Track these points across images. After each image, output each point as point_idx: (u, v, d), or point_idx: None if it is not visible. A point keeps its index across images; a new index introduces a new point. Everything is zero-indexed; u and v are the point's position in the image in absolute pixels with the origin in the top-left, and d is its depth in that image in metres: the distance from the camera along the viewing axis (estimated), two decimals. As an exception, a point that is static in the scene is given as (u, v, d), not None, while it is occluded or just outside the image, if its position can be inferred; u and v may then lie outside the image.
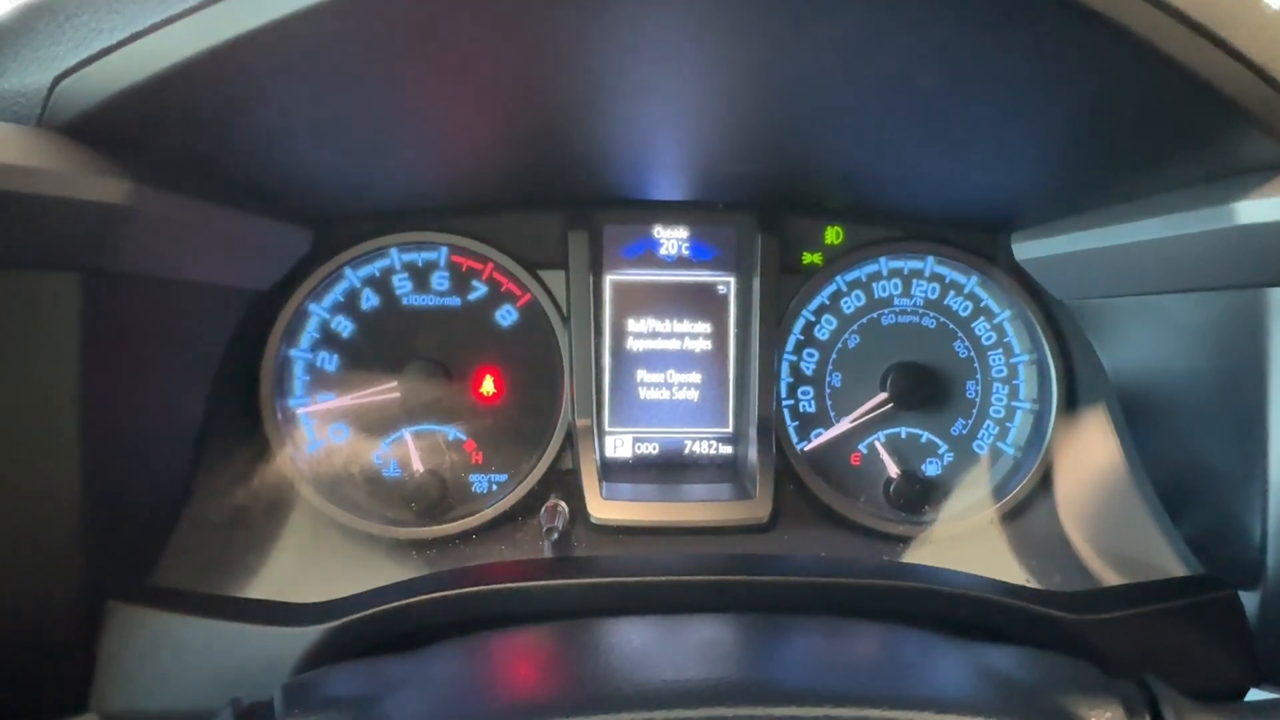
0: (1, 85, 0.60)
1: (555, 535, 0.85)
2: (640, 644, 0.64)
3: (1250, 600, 0.74)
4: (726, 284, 1.01)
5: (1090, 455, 0.96)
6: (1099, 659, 0.67)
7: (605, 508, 0.92)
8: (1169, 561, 0.83)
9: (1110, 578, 0.87)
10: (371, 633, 0.68)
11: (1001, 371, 1.03)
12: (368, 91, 0.67)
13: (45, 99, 0.59)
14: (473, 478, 0.99)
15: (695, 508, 0.93)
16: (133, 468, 0.74)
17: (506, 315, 0.99)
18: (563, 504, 0.90)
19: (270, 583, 0.83)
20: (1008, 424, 1.03)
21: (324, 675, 0.62)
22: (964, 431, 1.03)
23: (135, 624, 0.68)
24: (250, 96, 0.63)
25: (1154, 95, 0.60)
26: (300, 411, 0.96)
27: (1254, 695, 0.73)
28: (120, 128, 0.60)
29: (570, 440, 0.97)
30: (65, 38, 0.58)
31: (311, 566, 0.87)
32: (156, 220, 0.66)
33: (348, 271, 0.97)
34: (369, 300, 0.98)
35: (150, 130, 0.63)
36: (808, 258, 1.01)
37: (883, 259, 1.02)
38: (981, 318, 1.03)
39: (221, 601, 0.73)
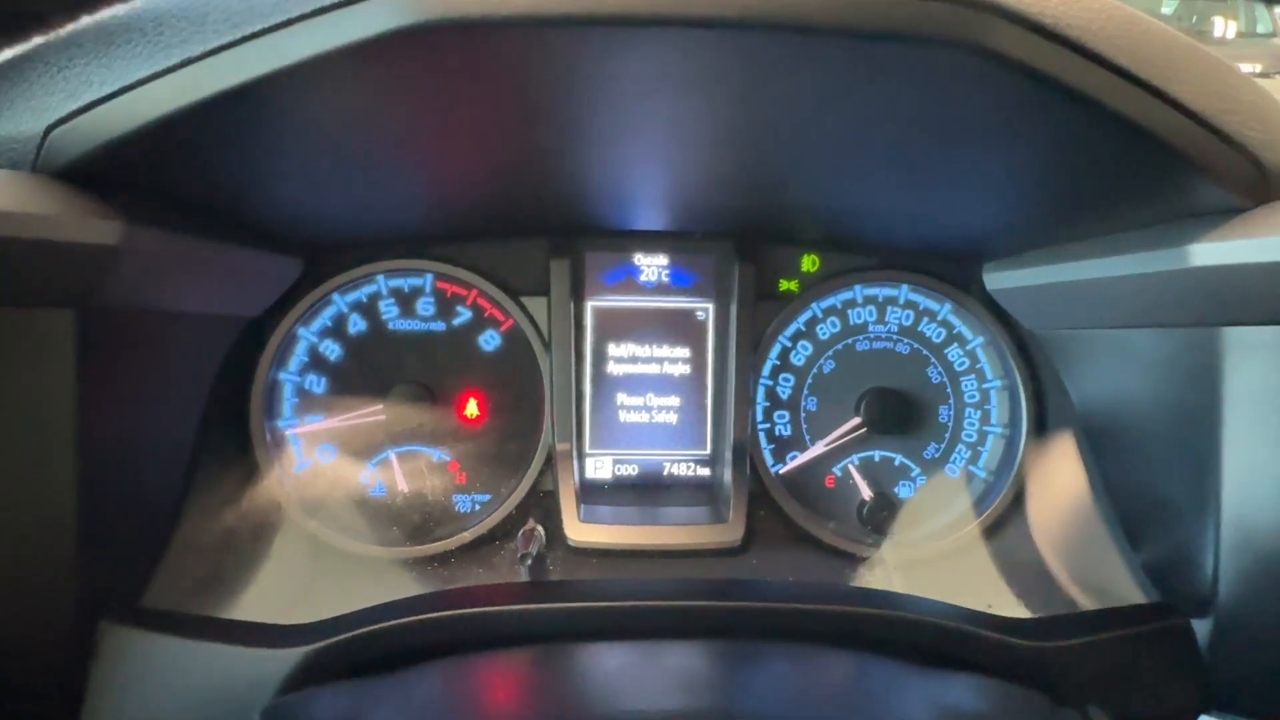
0: (-3, 132, 0.62)
1: (529, 561, 0.87)
2: (612, 669, 0.66)
3: (1202, 628, 0.76)
4: (705, 310, 1.04)
5: (1058, 481, 0.98)
6: (1054, 684, 0.69)
7: (582, 530, 0.95)
8: (1127, 588, 0.86)
9: (1073, 601, 0.89)
10: (353, 654, 0.70)
11: (974, 397, 1.05)
12: (354, 138, 0.70)
13: (39, 145, 0.62)
14: (456, 498, 1.01)
15: (670, 531, 0.96)
16: (126, 492, 0.77)
17: (490, 340, 1.02)
18: (539, 528, 0.93)
19: (258, 604, 0.85)
20: (979, 448, 1.05)
21: (304, 699, 0.65)
22: (937, 455, 1.05)
23: (126, 645, 0.71)
24: (237, 145, 0.66)
25: (1103, 146, 0.63)
26: (289, 433, 0.99)
27: (1203, 721, 0.76)
28: (112, 172, 0.63)
29: (550, 462, 1.00)
30: (57, 88, 0.61)
31: (298, 587, 0.89)
32: (148, 257, 0.69)
33: (336, 297, 0.99)
34: (356, 325, 1.00)
35: (141, 174, 0.66)
36: (784, 285, 1.04)
37: (858, 287, 1.04)
38: (954, 344, 1.05)
39: (209, 623, 0.75)
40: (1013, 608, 0.90)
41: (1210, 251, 0.64)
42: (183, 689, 0.70)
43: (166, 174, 0.68)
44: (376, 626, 0.72)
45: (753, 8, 0.52)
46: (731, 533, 0.95)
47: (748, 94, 0.63)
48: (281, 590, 0.88)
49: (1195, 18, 4.20)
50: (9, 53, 0.63)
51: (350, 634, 0.71)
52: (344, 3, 0.52)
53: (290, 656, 0.70)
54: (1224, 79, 0.61)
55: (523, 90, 0.63)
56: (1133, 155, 0.62)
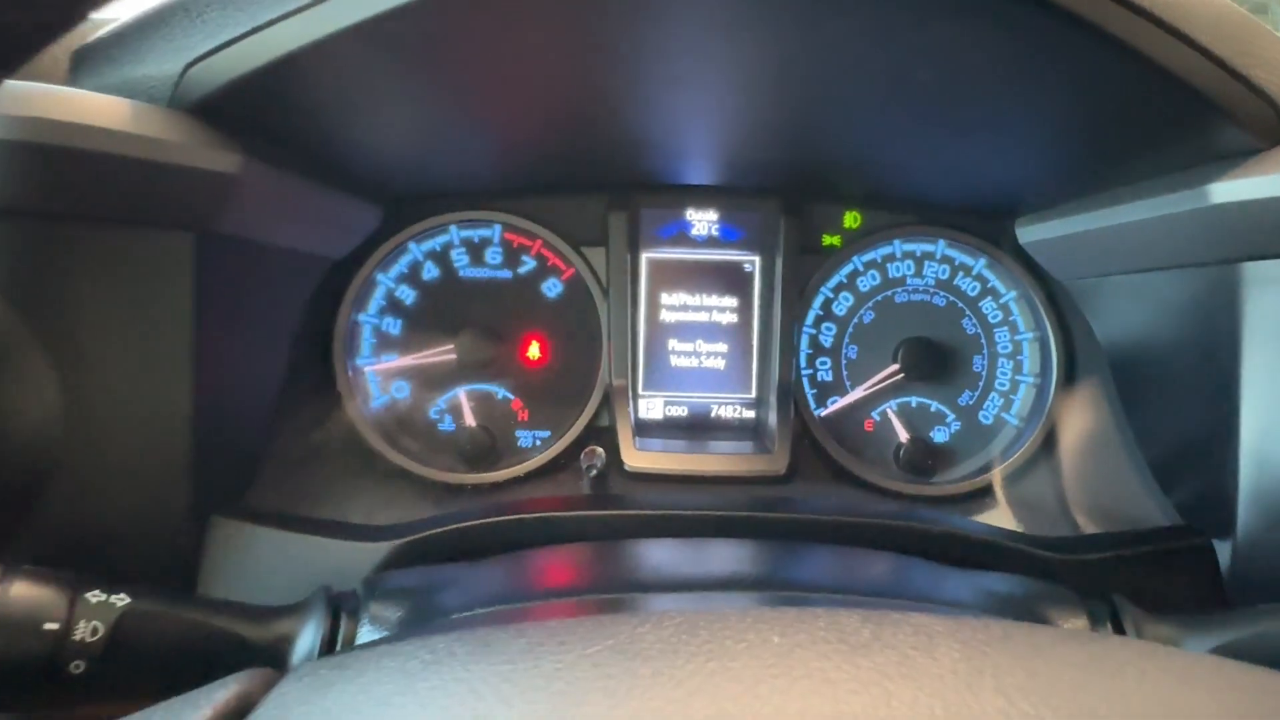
0: (139, 71, 0.70)
1: (594, 472, 0.94)
2: (668, 557, 0.72)
3: (1223, 550, 0.80)
4: (752, 263, 1.09)
5: (1086, 425, 1.02)
6: (1079, 589, 0.74)
7: (639, 457, 1.01)
8: (1154, 516, 0.90)
9: (1099, 530, 0.94)
10: (433, 550, 0.77)
11: (1007, 347, 1.09)
12: (438, 84, 0.77)
13: (175, 83, 0.70)
14: (519, 433, 1.08)
15: (720, 459, 1.01)
16: (232, 405, 0.84)
17: (552, 287, 1.08)
18: (600, 449, 0.99)
19: (341, 511, 0.92)
20: (1011, 396, 1.10)
21: (396, 573, 0.72)
22: (971, 402, 1.10)
23: (235, 537, 0.78)
24: (342, 85, 0.73)
25: (1131, 89, 0.67)
26: (367, 370, 1.06)
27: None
28: (236, 108, 0.70)
29: (607, 400, 1.06)
30: (196, 30, 0.69)
31: (375, 501, 0.97)
32: (259, 190, 0.76)
33: (411, 246, 1.06)
34: (430, 272, 1.07)
35: (260, 111, 0.73)
36: (827, 239, 1.09)
37: (897, 241, 1.09)
38: (988, 297, 1.09)
39: (306, 520, 0.83)
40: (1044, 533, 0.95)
41: (1230, 189, 0.68)
42: (286, 575, 0.77)
43: (279, 115, 0.75)
44: (456, 526, 0.79)
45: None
46: (776, 463, 1.01)
47: (799, 34, 0.69)
48: (360, 503, 0.95)
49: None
50: (152, 1, 0.72)
51: (434, 530, 0.78)
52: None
53: (380, 549, 0.77)
54: (1245, 28, 0.65)
55: (587, 40, 0.69)
56: (1157, 98, 0.66)
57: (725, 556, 0.69)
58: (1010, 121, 0.81)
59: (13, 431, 0.69)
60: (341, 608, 0.63)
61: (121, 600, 0.55)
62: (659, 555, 0.70)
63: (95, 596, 0.54)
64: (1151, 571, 0.80)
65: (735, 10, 0.64)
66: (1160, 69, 0.63)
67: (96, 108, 0.66)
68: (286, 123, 0.78)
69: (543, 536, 0.79)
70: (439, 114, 0.84)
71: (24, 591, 0.53)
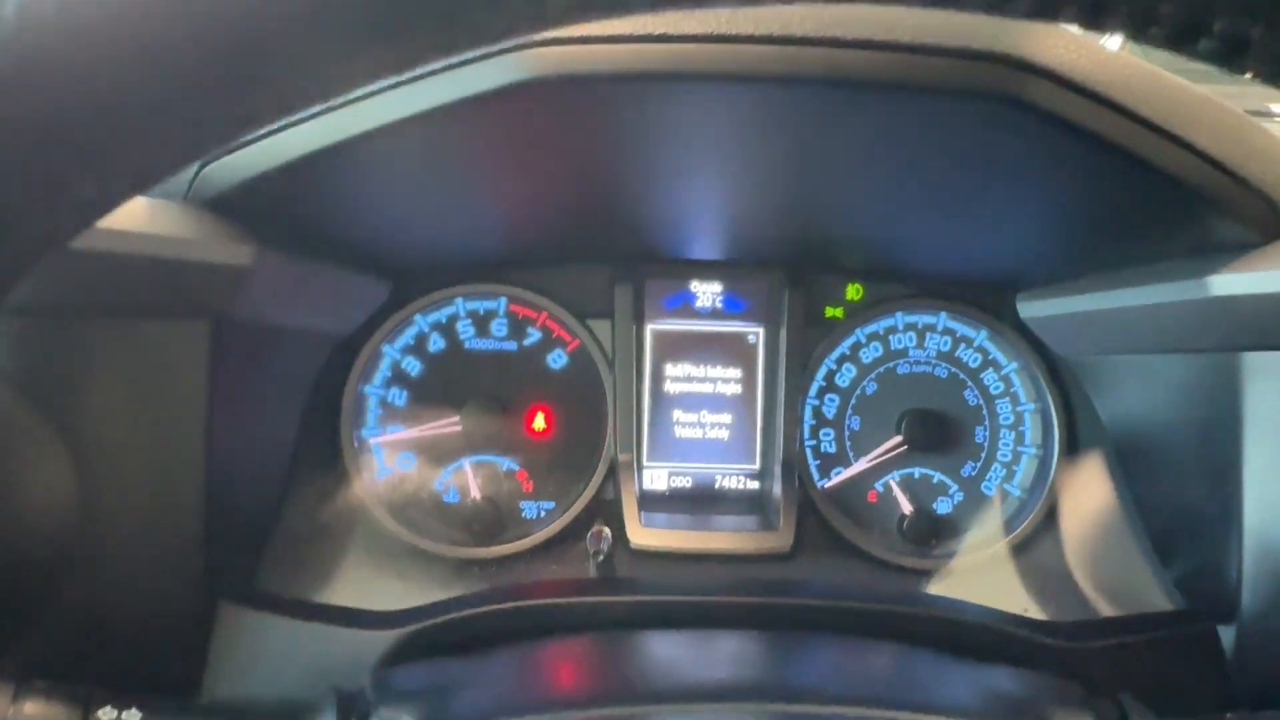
0: (156, 168, 0.72)
1: (600, 557, 0.94)
2: (672, 653, 0.73)
3: (1227, 634, 0.80)
4: (756, 334, 1.10)
5: (1089, 498, 1.03)
6: (1085, 683, 0.73)
7: (644, 534, 1.01)
8: (1156, 597, 0.90)
9: (1103, 610, 0.94)
10: (440, 638, 0.77)
11: (1008, 419, 1.10)
12: (449, 176, 0.79)
13: (191, 180, 0.72)
14: (523, 504, 1.08)
15: (724, 537, 1.02)
16: (240, 486, 0.85)
17: (557, 359, 1.09)
18: (607, 530, 1.00)
19: (347, 591, 0.93)
20: (1014, 467, 1.10)
21: (405, 670, 0.72)
22: (973, 473, 1.10)
23: (243, 622, 0.79)
24: (355, 181, 0.75)
25: (1131, 188, 0.69)
26: (373, 441, 1.06)
27: (1226, 718, 0.80)
28: (251, 203, 0.72)
29: (613, 472, 1.07)
30: (212, 131, 0.70)
31: (381, 578, 0.97)
32: (272, 277, 0.77)
33: (418, 318, 1.07)
34: (436, 343, 1.08)
35: (274, 205, 0.74)
36: (830, 311, 1.10)
37: (899, 314, 1.10)
38: (990, 369, 1.10)
39: (313, 606, 0.83)
40: (1046, 615, 0.95)
41: (1229, 283, 0.69)
42: (292, 662, 0.77)
43: (292, 206, 0.77)
44: (463, 613, 0.79)
45: (819, 66, 0.60)
46: (781, 539, 1.01)
47: (805, 140, 0.71)
48: (366, 581, 0.95)
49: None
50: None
51: (441, 618, 0.78)
52: (472, 60, 0.61)
53: (386, 638, 0.77)
54: (1238, 127, 0.67)
55: (609, 135, 0.71)
56: (1156, 195, 0.68)
57: (729, 658, 0.69)
58: (1012, 210, 0.83)
59: (33, 525, 0.70)
60: (352, 711, 0.63)
61: (133, 716, 0.55)
62: (665, 656, 0.70)
63: (107, 714, 0.54)
64: (1156, 659, 0.81)
65: (748, 117, 0.66)
66: (1160, 172, 0.65)
67: (114, 207, 0.67)
68: (299, 213, 0.80)
69: (549, 624, 0.79)
70: (451, 201, 0.86)
71: (37, 710, 0.53)
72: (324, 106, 0.66)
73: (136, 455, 0.74)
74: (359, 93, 0.65)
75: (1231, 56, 0.29)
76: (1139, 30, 0.29)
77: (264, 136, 0.68)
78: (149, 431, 0.75)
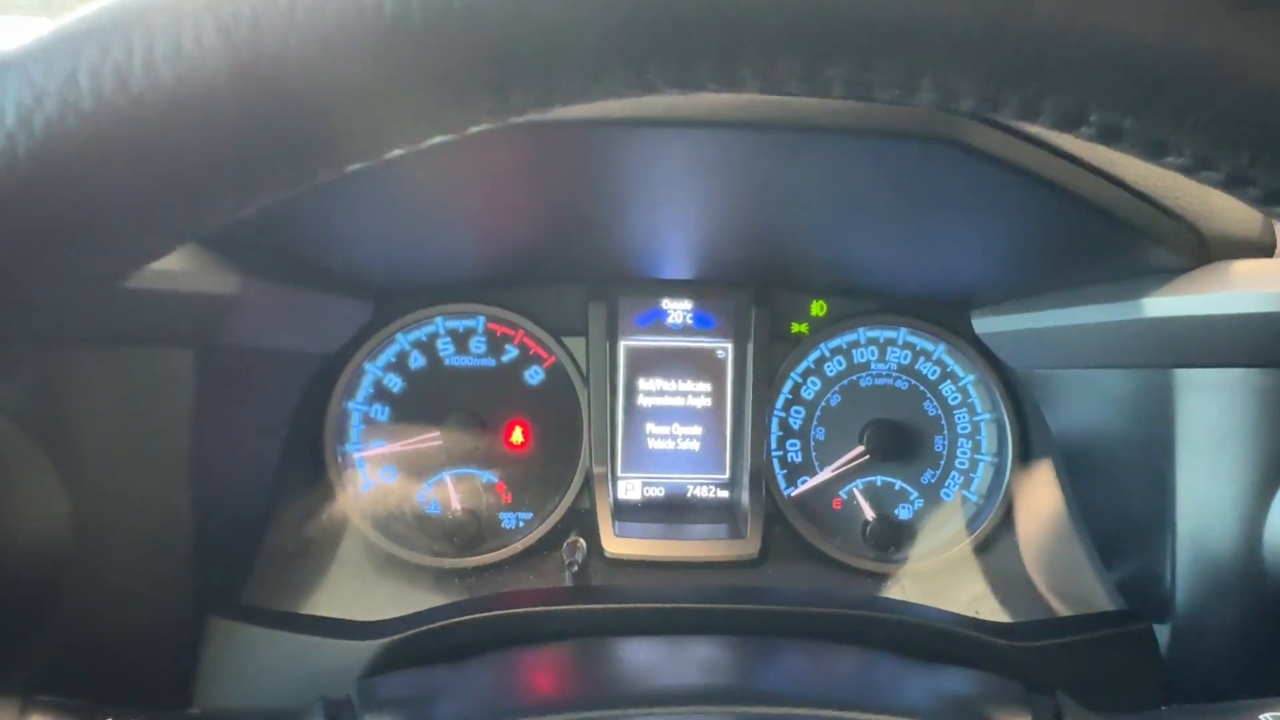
0: (146, 203, 0.75)
1: (575, 568, 0.98)
2: (644, 659, 0.77)
3: (1162, 633, 0.84)
4: (725, 349, 1.14)
5: (1040, 504, 1.08)
6: (1027, 680, 0.76)
7: (618, 544, 1.04)
8: (1099, 597, 0.95)
9: (1051, 608, 0.98)
10: (422, 647, 0.80)
11: (966, 428, 1.14)
12: (431, 206, 0.81)
13: (180, 213, 0.74)
14: (503, 515, 1.11)
15: (695, 545, 1.05)
16: (227, 505, 0.88)
17: (534, 375, 1.12)
18: (581, 540, 1.03)
19: (333, 602, 0.95)
20: (971, 474, 1.14)
21: (388, 680, 0.76)
22: (933, 480, 1.14)
23: (231, 636, 0.81)
24: (338, 211, 0.78)
25: (1066, 218, 0.73)
26: (356, 456, 1.09)
27: (1160, 712, 0.85)
28: (237, 233, 0.74)
29: (588, 484, 1.10)
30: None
31: (365, 589, 1.00)
32: (256, 304, 0.79)
33: (399, 336, 1.10)
34: (416, 361, 1.11)
35: (260, 235, 0.77)
36: (796, 327, 1.14)
37: (861, 329, 1.13)
38: (948, 381, 1.14)
39: (299, 618, 0.86)
40: (997, 614, 0.99)
41: (1161, 305, 0.74)
42: (278, 673, 0.80)
43: (276, 234, 0.80)
44: (444, 622, 0.82)
45: (773, 113, 0.64)
46: (749, 547, 1.05)
47: (765, 176, 0.75)
48: (351, 592, 0.98)
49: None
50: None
51: (424, 627, 0.81)
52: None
53: (370, 648, 0.79)
54: None
55: (579, 171, 0.74)
56: (1091, 226, 0.72)
57: (697, 663, 0.73)
58: (960, 239, 0.88)
59: (27, 546, 0.72)
60: (339, 719, 0.66)
61: (137, 729, 0.58)
62: (638, 661, 0.74)
63: (112, 727, 0.57)
64: (1097, 657, 0.85)
65: (712, 157, 0.70)
66: (1093, 205, 0.69)
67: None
68: (284, 241, 0.83)
69: (528, 632, 0.82)
70: (431, 228, 0.89)
71: (44, 725, 0.56)
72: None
73: (126, 478, 0.76)
74: None
75: (1109, 139, 0.33)
76: (1029, 118, 0.34)
77: None
78: (138, 455, 0.77)
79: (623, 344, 1.13)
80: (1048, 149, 0.67)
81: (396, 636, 0.80)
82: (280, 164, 0.29)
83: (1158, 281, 0.75)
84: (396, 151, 0.31)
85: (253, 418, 0.93)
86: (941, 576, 1.09)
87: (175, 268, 0.72)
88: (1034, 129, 0.66)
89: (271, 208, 0.70)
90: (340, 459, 1.09)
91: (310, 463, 1.07)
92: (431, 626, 0.82)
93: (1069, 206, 0.70)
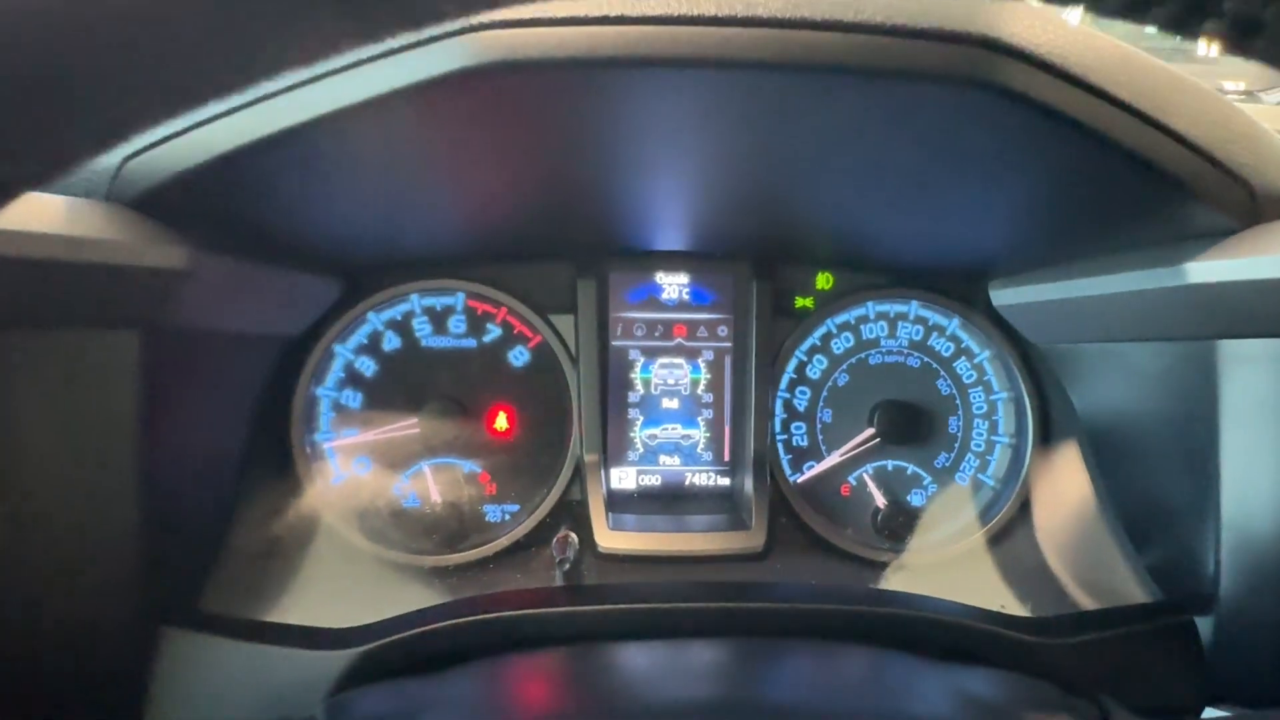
0: (75, 164, 0.66)
1: (566, 565, 0.91)
2: (645, 666, 0.70)
3: (1205, 625, 0.80)
4: (724, 327, 1.07)
5: (1063, 487, 1.02)
6: (1063, 680, 0.72)
7: (612, 538, 0.98)
8: (1132, 588, 0.89)
9: (1080, 602, 0.93)
10: (399, 656, 0.74)
11: (981, 408, 1.09)
12: (401, 169, 0.74)
13: (113, 176, 0.66)
14: (487, 508, 1.04)
15: (695, 538, 0.99)
16: (182, 503, 0.81)
17: (519, 356, 1.05)
18: (573, 535, 0.96)
19: (302, 608, 0.89)
20: (987, 457, 1.09)
21: (361, 695, 0.68)
22: (947, 464, 1.09)
23: (187, 647, 0.74)
24: (295, 176, 0.70)
25: (1105, 173, 0.67)
26: (326, 446, 1.02)
27: (1208, 714, 0.79)
28: (180, 201, 0.66)
29: (579, 473, 1.03)
30: (135, 124, 0.65)
31: (338, 592, 0.93)
32: (208, 281, 0.72)
33: (371, 316, 1.03)
34: (391, 342, 1.04)
35: (207, 203, 0.70)
36: (800, 302, 1.07)
37: (870, 303, 1.08)
38: (962, 358, 1.09)
39: (263, 627, 0.79)
40: (1022, 608, 0.94)
41: (1207, 270, 0.68)
42: (241, 688, 0.73)
43: (228, 202, 0.72)
44: (423, 629, 0.75)
45: (786, 50, 0.56)
46: (753, 539, 0.99)
47: (773, 129, 0.68)
48: (324, 595, 0.91)
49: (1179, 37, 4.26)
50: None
51: (399, 636, 0.74)
52: (412, 45, 0.56)
53: (342, 658, 0.73)
54: (1217, 110, 0.65)
55: (565, 125, 0.67)
56: (1133, 181, 0.66)
57: (700, 671, 0.67)
58: (984, 198, 0.81)
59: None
60: (301, 744, 0.59)
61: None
62: (636, 669, 0.67)
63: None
64: (1134, 653, 0.80)
65: (713, 106, 0.63)
66: (1137, 157, 0.62)
67: (28, 207, 0.62)
68: (238, 211, 0.75)
69: (515, 638, 0.75)
70: (403, 195, 0.81)
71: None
72: (256, 96, 0.62)
73: (64, 475, 0.69)
74: (294, 80, 0.60)
75: (1240, 38, 0.26)
76: (1140, 11, 0.27)
77: (191, 129, 0.63)
78: (77, 449, 0.70)
79: (614, 321, 1.07)
80: (1089, 89, 0.60)
81: (370, 645, 0.74)
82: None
83: (1203, 245, 0.69)
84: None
85: (210, 407, 0.85)
86: (958, 568, 1.04)
87: (110, 237, 0.64)
88: (1078, 68, 0.60)
89: (228, 172, 0.63)
90: (309, 450, 1.01)
91: (276, 455, 0.99)
92: (408, 634, 0.75)
93: (1110, 159, 0.63)
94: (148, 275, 0.66)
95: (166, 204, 0.66)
